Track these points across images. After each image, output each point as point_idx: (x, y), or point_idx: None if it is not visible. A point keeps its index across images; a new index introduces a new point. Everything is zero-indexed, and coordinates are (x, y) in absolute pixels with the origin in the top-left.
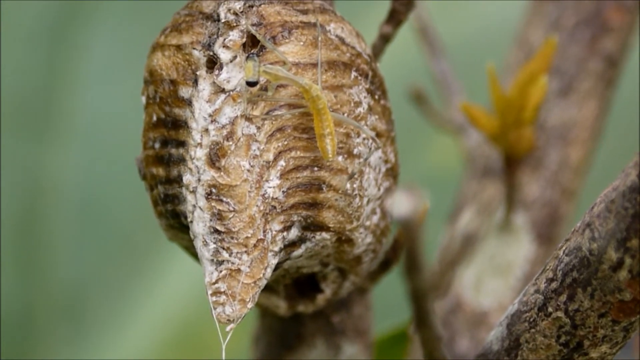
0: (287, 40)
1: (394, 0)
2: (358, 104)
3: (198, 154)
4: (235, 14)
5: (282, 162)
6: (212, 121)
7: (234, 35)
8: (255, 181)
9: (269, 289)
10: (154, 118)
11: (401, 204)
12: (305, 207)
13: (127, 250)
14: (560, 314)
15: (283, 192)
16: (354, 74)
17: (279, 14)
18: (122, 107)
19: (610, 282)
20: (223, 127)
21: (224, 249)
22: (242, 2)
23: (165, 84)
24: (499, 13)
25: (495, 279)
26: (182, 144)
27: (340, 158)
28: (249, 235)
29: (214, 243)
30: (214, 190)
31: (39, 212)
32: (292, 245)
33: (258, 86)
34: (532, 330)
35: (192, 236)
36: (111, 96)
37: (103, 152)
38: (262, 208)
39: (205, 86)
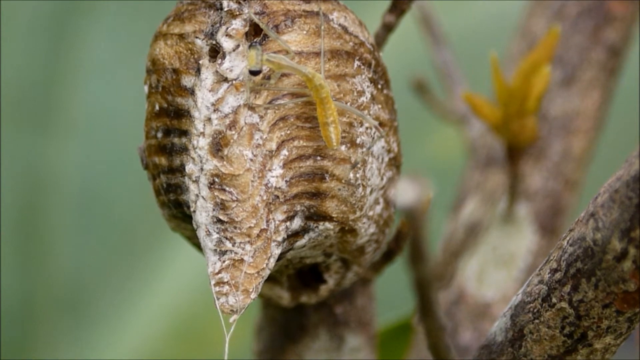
0: (290, 29)
1: None
2: (361, 93)
3: (201, 143)
4: (238, 2)
5: (285, 152)
6: (214, 110)
7: (237, 24)
8: (258, 170)
9: (272, 279)
10: (157, 107)
11: (405, 193)
12: (308, 196)
13: (128, 242)
14: (564, 304)
15: (286, 181)
16: (357, 63)
17: (281, 3)
18: (122, 100)
19: (615, 272)
20: (226, 116)
21: (227, 238)
22: None
23: (167, 73)
24: (502, 3)
25: (498, 271)
26: (184, 133)
27: (343, 147)
28: (252, 225)
29: (217, 233)
30: (216, 179)
31: (40, 205)
32: (295, 235)
33: (261, 75)
34: (536, 321)
35: (195, 226)
36: (111, 89)
37: (103, 144)
38: (265, 198)
39: (207, 75)
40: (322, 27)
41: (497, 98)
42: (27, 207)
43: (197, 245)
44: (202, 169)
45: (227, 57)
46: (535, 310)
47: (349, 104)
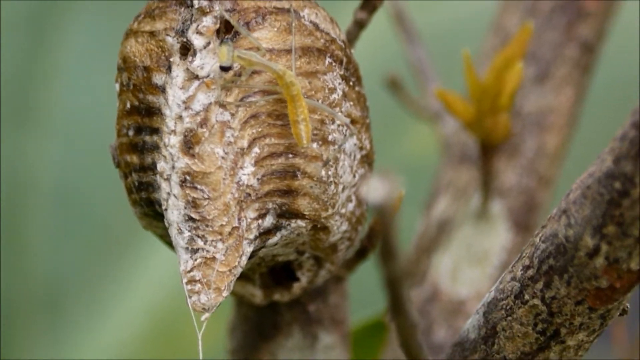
0: (261, 26)
1: None
2: (332, 90)
3: (172, 141)
4: None
5: (256, 149)
6: (185, 108)
7: (208, 21)
8: (229, 168)
9: (244, 277)
10: (128, 105)
11: (375, 191)
12: (280, 194)
13: (106, 240)
14: (536, 301)
15: (258, 179)
16: (328, 60)
17: (252, 0)
18: (100, 98)
19: (587, 269)
20: (197, 113)
21: (198, 236)
22: None
23: (138, 70)
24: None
25: (472, 268)
26: (156, 131)
27: (314, 145)
28: (224, 223)
29: (189, 231)
30: (188, 177)
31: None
32: (267, 233)
33: (232, 72)
34: (509, 318)
35: (166, 224)
36: (89, 87)
37: (81, 143)
38: (236, 195)
39: (178, 73)
40: (293, 24)
41: (470, 95)
42: (4, 205)
43: (169, 243)
44: (173, 167)
45: (198, 55)
46: (507, 308)
47: (320, 101)
